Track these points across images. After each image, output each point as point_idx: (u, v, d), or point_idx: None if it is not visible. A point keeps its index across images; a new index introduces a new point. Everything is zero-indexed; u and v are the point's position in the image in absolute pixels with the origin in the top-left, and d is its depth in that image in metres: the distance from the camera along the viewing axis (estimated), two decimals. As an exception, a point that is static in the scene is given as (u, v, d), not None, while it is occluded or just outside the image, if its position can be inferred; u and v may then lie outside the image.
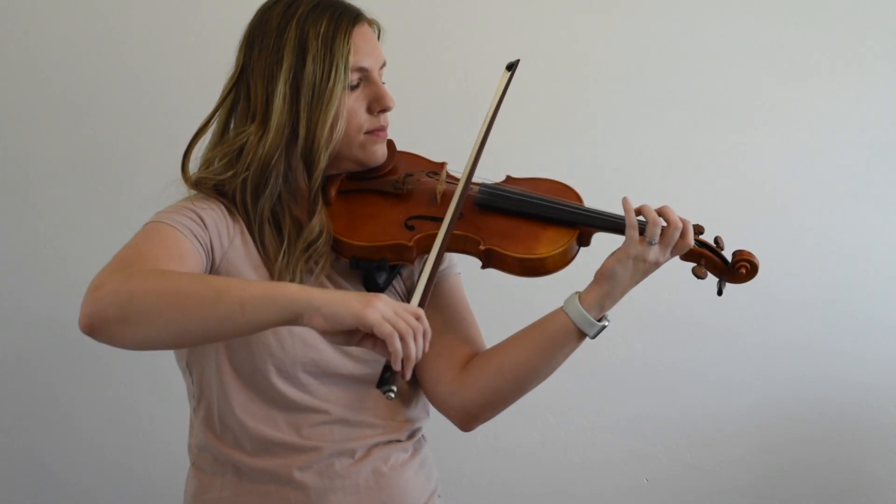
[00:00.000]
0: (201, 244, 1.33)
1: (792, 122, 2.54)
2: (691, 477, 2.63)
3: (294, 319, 1.14)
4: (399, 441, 1.48)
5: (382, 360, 1.42)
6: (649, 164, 2.52)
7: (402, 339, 1.13)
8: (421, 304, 1.24)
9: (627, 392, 2.59)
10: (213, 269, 1.36)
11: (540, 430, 2.59)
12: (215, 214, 1.38)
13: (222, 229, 1.38)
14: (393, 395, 1.16)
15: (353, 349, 1.41)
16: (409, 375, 1.16)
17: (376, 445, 1.45)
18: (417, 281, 1.28)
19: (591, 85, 2.52)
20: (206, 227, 1.35)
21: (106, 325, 1.14)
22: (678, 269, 1.55)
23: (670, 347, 2.58)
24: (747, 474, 2.63)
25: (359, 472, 1.42)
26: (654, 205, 1.42)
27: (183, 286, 1.15)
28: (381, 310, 1.12)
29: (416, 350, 1.14)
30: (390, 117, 1.46)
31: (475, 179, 1.46)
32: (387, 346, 1.13)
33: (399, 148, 1.53)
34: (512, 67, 1.54)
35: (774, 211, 2.55)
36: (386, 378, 1.16)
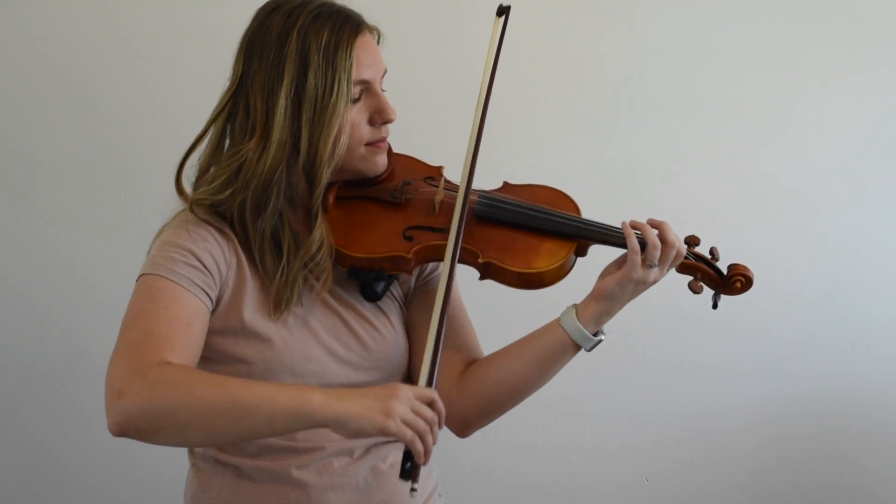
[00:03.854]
0: (203, 290, 1.33)
1: (793, 122, 2.53)
2: (691, 475, 2.63)
3: (320, 428, 1.18)
4: (397, 440, 1.48)
5: (380, 368, 1.45)
6: (649, 165, 2.51)
7: (421, 438, 1.16)
8: (429, 382, 1.23)
9: (627, 390, 2.59)
10: (217, 302, 1.37)
11: (540, 429, 2.60)
12: (210, 246, 1.36)
13: (220, 260, 1.37)
14: (417, 490, 1.17)
15: (352, 357, 1.43)
16: (428, 463, 1.19)
17: (375, 445, 1.45)
18: (425, 354, 1.26)
19: (590, 86, 2.51)
20: (205, 270, 1.34)
21: (138, 434, 1.18)
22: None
23: (670, 346, 2.58)
24: (747, 472, 2.63)
25: (357, 470, 1.43)
26: (650, 212, 1.43)
27: (209, 401, 1.16)
28: (399, 414, 1.15)
29: (434, 441, 1.17)
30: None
31: (473, 187, 1.44)
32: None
33: (397, 150, 1.51)
34: (503, 13, 1.49)
35: (775, 210, 2.54)
36: (408, 470, 1.17)
